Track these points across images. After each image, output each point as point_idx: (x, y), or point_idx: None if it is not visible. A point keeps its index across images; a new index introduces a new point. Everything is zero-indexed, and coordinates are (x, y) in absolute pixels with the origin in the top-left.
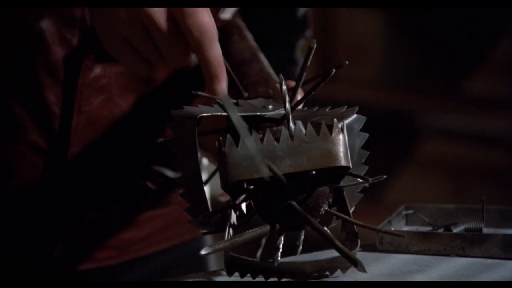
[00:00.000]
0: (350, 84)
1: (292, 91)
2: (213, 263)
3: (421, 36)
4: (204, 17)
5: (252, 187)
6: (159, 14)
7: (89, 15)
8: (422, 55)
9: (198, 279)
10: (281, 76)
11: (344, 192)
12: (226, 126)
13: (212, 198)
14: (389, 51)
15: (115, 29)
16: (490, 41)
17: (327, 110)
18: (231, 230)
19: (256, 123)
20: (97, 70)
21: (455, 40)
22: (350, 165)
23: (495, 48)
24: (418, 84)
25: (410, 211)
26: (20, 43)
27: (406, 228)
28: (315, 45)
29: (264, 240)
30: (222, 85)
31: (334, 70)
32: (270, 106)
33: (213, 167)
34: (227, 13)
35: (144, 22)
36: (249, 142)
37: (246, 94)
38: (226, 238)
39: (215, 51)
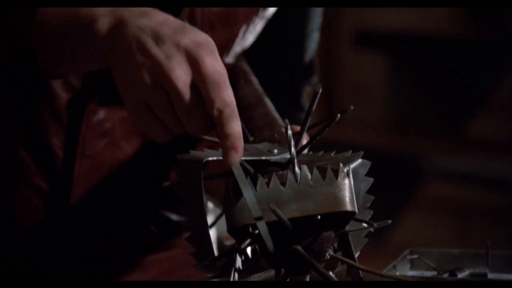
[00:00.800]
0: (354, 126)
1: (298, 136)
2: None
3: (425, 78)
4: (226, 90)
5: (257, 231)
6: (183, 83)
7: (113, 76)
8: (426, 98)
9: None
10: (287, 120)
11: (349, 237)
12: (231, 170)
13: (217, 241)
14: (393, 94)
15: (137, 93)
16: (493, 83)
17: (332, 154)
18: (236, 275)
19: (261, 167)
20: (101, 114)
21: (458, 82)
22: (356, 210)
23: (498, 90)
24: (422, 126)
25: (415, 256)
26: (26, 88)
27: (411, 273)
28: (320, 90)
29: None
30: (239, 157)
31: (339, 115)
32: (276, 150)
33: (218, 211)
34: (231, 57)
35: (167, 90)
36: (247, 192)
37: (252, 138)
38: None
39: (236, 125)
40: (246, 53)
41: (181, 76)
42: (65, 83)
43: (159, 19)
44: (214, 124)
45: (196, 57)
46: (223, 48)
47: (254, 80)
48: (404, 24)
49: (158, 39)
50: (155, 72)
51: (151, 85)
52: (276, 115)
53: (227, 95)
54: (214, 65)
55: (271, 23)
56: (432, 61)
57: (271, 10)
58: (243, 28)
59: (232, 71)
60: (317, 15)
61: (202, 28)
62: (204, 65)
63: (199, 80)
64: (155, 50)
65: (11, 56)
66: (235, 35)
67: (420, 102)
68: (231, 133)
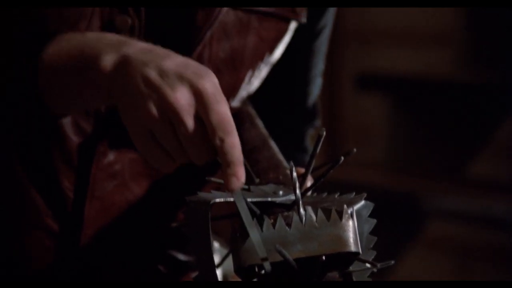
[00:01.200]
0: (356, 167)
1: (302, 178)
2: None
3: (426, 120)
4: (228, 120)
5: (263, 271)
6: (187, 113)
7: (119, 109)
8: (427, 139)
9: None
10: (291, 163)
11: (353, 277)
12: (238, 211)
13: (224, 281)
14: (395, 135)
15: (143, 123)
16: (493, 124)
17: (336, 196)
18: None
19: (267, 209)
20: (111, 156)
21: (459, 124)
22: (360, 251)
23: (499, 131)
24: (424, 167)
25: None
26: (38, 133)
27: None
28: (324, 134)
29: None
30: (240, 184)
31: (342, 158)
32: (281, 192)
33: (225, 251)
34: (236, 101)
35: (171, 119)
36: (253, 233)
37: (257, 180)
38: None
39: (237, 153)
40: (252, 97)
41: (185, 106)
42: (75, 126)
43: (161, 54)
44: (216, 152)
45: (199, 89)
46: (229, 93)
47: (259, 123)
48: (405, 66)
49: (161, 72)
50: (161, 102)
51: (156, 115)
52: (281, 157)
53: (228, 125)
54: (216, 96)
55: (275, 69)
56: (433, 103)
57: (276, 56)
58: (249, 73)
59: (238, 114)
60: (320, 62)
61: None
62: (207, 96)
63: (202, 110)
64: (159, 82)
65: (20, 99)
66: (241, 80)
67: (421, 143)
68: (232, 161)
